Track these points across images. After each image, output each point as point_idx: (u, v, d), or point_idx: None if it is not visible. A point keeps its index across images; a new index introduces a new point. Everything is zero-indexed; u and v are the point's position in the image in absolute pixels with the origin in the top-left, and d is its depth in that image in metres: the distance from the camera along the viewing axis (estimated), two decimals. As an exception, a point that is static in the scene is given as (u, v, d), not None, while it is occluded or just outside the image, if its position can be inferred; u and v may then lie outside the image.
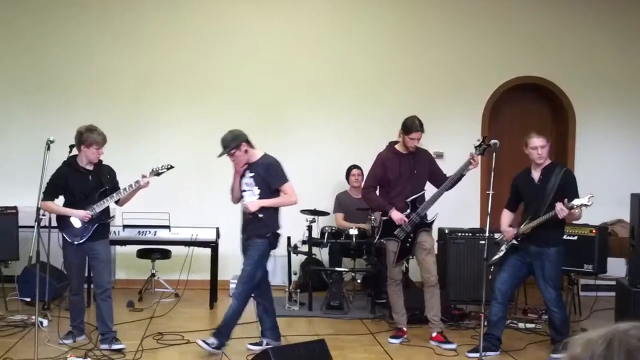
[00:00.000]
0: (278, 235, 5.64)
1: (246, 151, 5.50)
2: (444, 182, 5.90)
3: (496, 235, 5.83)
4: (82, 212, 5.50)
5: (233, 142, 5.44)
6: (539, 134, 5.64)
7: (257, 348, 5.57)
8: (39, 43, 8.15)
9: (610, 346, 1.22)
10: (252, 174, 5.56)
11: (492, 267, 5.65)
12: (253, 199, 5.53)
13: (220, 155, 5.50)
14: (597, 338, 1.24)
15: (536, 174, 5.69)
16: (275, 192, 5.58)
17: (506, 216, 5.89)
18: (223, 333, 5.48)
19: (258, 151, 5.64)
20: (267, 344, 5.58)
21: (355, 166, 7.94)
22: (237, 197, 5.69)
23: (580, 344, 1.26)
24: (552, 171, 5.63)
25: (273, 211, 5.59)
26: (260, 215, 5.47)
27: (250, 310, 5.80)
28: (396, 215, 5.90)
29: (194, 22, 8.34)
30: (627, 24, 8.68)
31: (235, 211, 5.89)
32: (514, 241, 5.68)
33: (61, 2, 8.21)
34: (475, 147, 5.75)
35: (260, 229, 5.53)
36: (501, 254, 5.73)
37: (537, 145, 5.57)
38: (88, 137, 5.48)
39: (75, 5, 8.20)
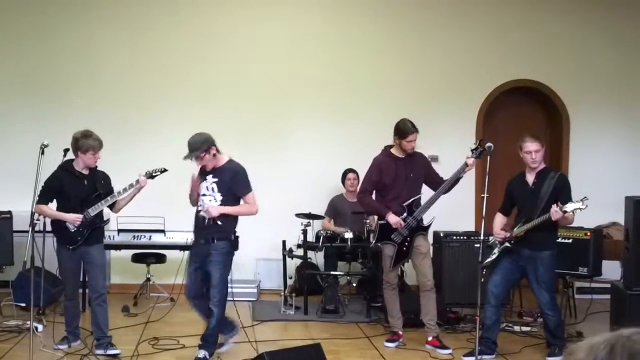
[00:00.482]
0: (238, 237, 5.52)
1: (214, 155, 5.36)
2: (440, 185, 5.90)
3: (490, 239, 5.82)
4: (72, 216, 5.48)
5: (203, 145, 5.27)
6: (533, 138, 5.61)
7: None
8: (35, 48, 8.13)
9: (613, 351, 1.22)
10: (215, 179, 5.39)
11: (485, 270, 5.64)
12: (214, 205, 5.40)
13: (187, 157, 5.32)
14: (600, 343, 1.25)
15: (530, 178, 5.68)
16: (237, 200, 5.48)
17: (499, 219, 5.89)
18: (210, 342, 5.44)
19: (224, 156, 5.48)
20: (230, 338, 5.61)
21: (350, 170, 7.93)
22: (195, 200, 5.52)
23: (583, 349, 1.26)
24: (546, 175, 5.63)
25: (232, 218, 5.46)
26: (219, 223, 5.34)
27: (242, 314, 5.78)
28: (393, 218, 5.89)
29: (193, 25, 8.31)
30: (621, 28, 8.71)
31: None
32: (507, 244, 5.68)
33: (60, 4, 8.18)
34: (472, 150, 5.74)
35: (219, 232, 5.38)
36: (494, 256, 5.72)
37: (532, 150, 5.56)
38: (84, 143, 5.46)
39: (76, 5, 8.18)
